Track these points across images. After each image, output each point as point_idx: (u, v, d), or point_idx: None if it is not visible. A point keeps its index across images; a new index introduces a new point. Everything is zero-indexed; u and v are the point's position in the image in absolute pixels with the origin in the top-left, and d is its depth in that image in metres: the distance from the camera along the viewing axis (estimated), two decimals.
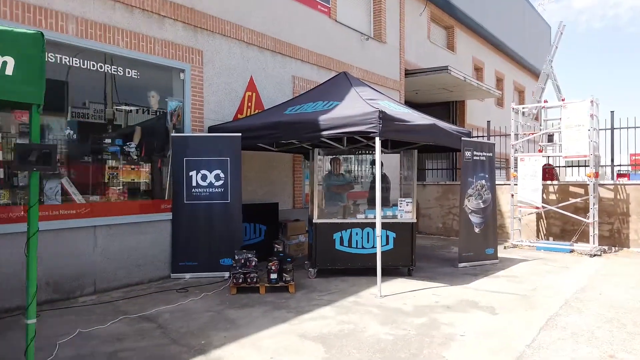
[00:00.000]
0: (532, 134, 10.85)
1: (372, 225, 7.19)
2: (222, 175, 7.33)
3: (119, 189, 6.66)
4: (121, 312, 5.38)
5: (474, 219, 8.35)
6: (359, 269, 7.26)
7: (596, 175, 9.97)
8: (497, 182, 11.90)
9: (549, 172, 12.16)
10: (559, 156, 10.44)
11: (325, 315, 5.27)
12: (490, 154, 8.65)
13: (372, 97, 7.37)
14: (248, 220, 8.42)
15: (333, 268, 7.24)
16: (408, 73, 13.84)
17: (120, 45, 6.57)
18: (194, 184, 7.27)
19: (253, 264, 6.38)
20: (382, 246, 7.05)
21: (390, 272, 7.41)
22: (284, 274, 6.29)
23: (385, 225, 7.25)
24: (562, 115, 10.03)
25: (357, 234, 7.20)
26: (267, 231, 8.66)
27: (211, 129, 7.69)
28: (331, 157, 8.56)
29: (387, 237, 7.26)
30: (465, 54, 18.91)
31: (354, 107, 6.52)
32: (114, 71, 6.59)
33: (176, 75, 7.44)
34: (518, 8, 23.66)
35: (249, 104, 8.64)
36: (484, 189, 8.51)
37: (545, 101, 11.02)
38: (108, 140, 6.57)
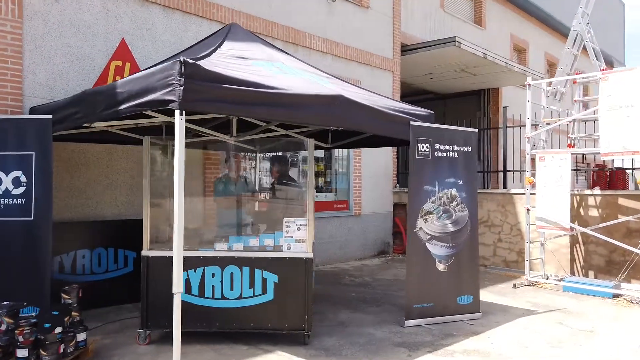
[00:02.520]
0: (557, 121, 7.49)
1: (239, 262, 4.43)
2: (23, 179, 4.82)
3: None
4: None
5: (436, 249, 5.30)
6: (220, 332, 4.50)
7: None
8: (513, 191, 8.68)
9: (618, 178, 8.70)
10: (595, 153, 7.05)
11: None
12: (469, 149, 5.55)
13: (253, 56, 4.63)
14: (106, 243, 5.89)
15: (168, 332, 4.50)
16: (405, 49, 10.78)
17: None
18: None
19: (2, 327, 3.82)
20: (256, 296, 4.32)
21: (270, 339, 4.57)
22: (43, 351, 3.67)
23: (259, 263, 4.45)
24: (600, 93, 6.67)
25: (213, 275, 4.44)
26: (139, 260, 6.06)
27: (33, 111, 5.23)
28: (225, 153, 5.86)
29: (264, 281, 4.44)
30: (501, 30, 15.39)
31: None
32: None
33: None
34: None
35: (118, 78, 6.11)
36: (454, 202, 5.43)
37: (577, 72, 7.63)
38: None
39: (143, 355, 4.23)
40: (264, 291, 4.42)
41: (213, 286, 4.42)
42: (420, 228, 5.21)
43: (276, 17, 8.00)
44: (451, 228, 5.38)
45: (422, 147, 5.18)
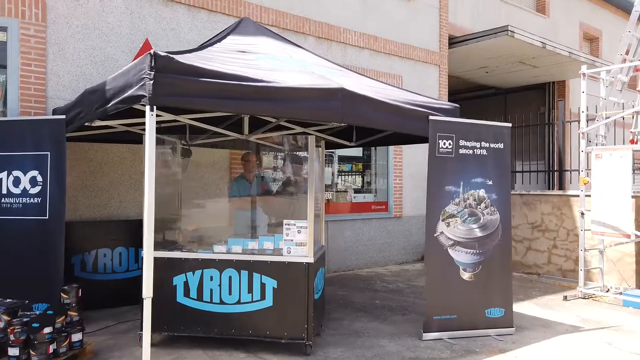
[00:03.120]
0: (617, 114, 6.64)
1: (237, 265, 4.24)
2: (39, 178, 4.93)
3: None
4: None
5: (461, 256, 4.81)
6: (219, 338, 4.33)
7: None
8: (569, 192, 7.87)
9: None
10: None
11: None
12: (500, 145, 5.01)
13: (257, 50, 4.44)
14: (127, 243, 5.93)
15: (169, 335, 4.40)
16: (453, 42, 10.15)
17: None
18: (4, 191, 4.98)
19: (2, 325, 3.87)
20: (255, 302, 4.13)
21: (271, 348, 4.33)
22: (32, 351, 3.67)
23: (258, 267, 4.22)
24: None
25: (211, 278, 4.28)
26: None
27: (55, 112, 5.36)
28: (244, 152, 5.70)
29: (263, 286, 4.21)
30: (568, 19, 14.20)
31: None
32: None
33: None
34: None
35: None
36: (483, 204, 4.91)
37: None
38: None
39: (140, 358, 4.14)
40: (262, 297, 4.19)
41: (211, 290, 4.25)
42: (442, 232, 4.76)
43: (308, 12, 7.76)
44: (479, 233, 4.87)
45: (444, 143, 4.73)
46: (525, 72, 12.50)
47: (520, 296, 6.65)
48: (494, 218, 4.94)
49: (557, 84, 13.87)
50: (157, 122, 5.20)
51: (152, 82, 3.07)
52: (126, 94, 3.29)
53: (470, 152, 4.86)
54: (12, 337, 3.67)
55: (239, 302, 4.22)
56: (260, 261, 4.20)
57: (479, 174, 4.90)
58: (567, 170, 8.15)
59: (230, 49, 4.27)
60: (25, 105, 5.37)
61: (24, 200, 4.93)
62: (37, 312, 4.20)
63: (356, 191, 8.76)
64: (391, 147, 8.80)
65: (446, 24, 9.95)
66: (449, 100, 10.82)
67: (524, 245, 8.46)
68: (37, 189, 4.92)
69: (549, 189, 11.86)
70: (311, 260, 4.15)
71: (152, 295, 3.13)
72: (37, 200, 4.92)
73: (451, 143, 4.76)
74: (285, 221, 4.22)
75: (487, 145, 4.93)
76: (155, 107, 3.13)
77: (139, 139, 5.72)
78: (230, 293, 4.23)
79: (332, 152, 8.33)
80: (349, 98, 3.92)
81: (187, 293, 4.29)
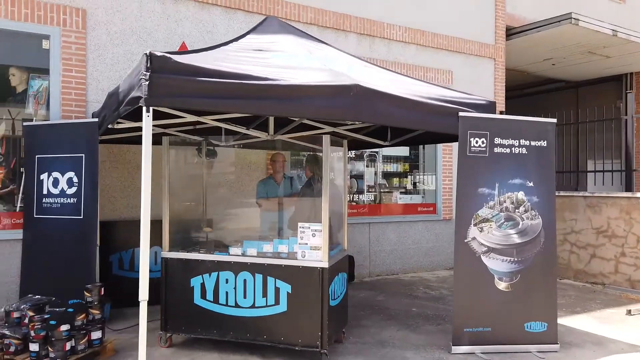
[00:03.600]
0: None
1: (252, 268, 4.15)
2: (75, 179, 5.13)
3: None
4: None
5: (496, 264, 4.42)
6: (235, 342, 4.25)
7: None
8: (638, 195, 7.09)
9: None
10: None
11: None
12: (543, 143, 4.54)
13: (277, 48, 4.34)
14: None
15: (189, 337, 4.40)
16: (510, 33, 9.51)
17: None
18: (45, 191, 5.24)
19: (25, 320, 4.03)
20: (269, 306, 4.04)
21: (287, 354, 4.19)
22: (50, 347, 3.78)
23: (272, 271, 4.11)
24: None
25: (226, 280, 4.21)
26: None
27: (94, 115, 5.56)
28: (273, 153, 5.61)
29: (277, 291, 4.08)
30: None
31: None
32: None
33: (38, 44, 5.54)
34: None
35: None
36: (522, 208, 4.48)
37: None
38: None
39: (157, 358, 4.18)
40: (276, 301, 4.06)
41: (227, 292, 4.19)
42: (474, 238, 4.39)
43: (349, 8, 7.55)
44: (517, 239, 4.45)
45: (476, 142, 4.37)
46: (597, 63, 11.48)
47: (577, 308, 6.07)
48: (535, 223, 4.50)
49: (635, 74, 12.63)
50: (190, 123, 5.25)
51: (147, 82, 3.04)
52: (130, 96, 3.30)
53: (507, 150, 4.46)
54: (32, 333, 3.80)
55: (253, 306, 4.12)
56: (275, 265, 4.08)
57: (518, 175, 4.48)
58: (635, 170, 7.34)
59: (246, 47, 4.19)
60: (67, 109, 5.61)
61: (62, 201, 5.16)
62: (63, 309, 4.35)
63: (402, 192, 8.43)
64: (439, 146, 8.40)
65: (502, 14, 9.34)
66: (509, 96, 10.18)
67: (587, 252, 7.74)
68: (73, 189, 5.13)
69: (626, 190, 10.82)
70: (326, 265, 3.97)
71: (147, 299, 3.10)
72: (73, 201, 5.12)
73: (484, 141, 4.39)
74: (299, 224, 4.07)
75: (527, 143, 4.50)
76: (151, 108, 3.09)
77: (178, 141, 5.83)
78: (245, 296, 4.14)
79: (376, 152, 8.07)
80: (364, 95, 3.69)
81: (203, 295, 4.26)
